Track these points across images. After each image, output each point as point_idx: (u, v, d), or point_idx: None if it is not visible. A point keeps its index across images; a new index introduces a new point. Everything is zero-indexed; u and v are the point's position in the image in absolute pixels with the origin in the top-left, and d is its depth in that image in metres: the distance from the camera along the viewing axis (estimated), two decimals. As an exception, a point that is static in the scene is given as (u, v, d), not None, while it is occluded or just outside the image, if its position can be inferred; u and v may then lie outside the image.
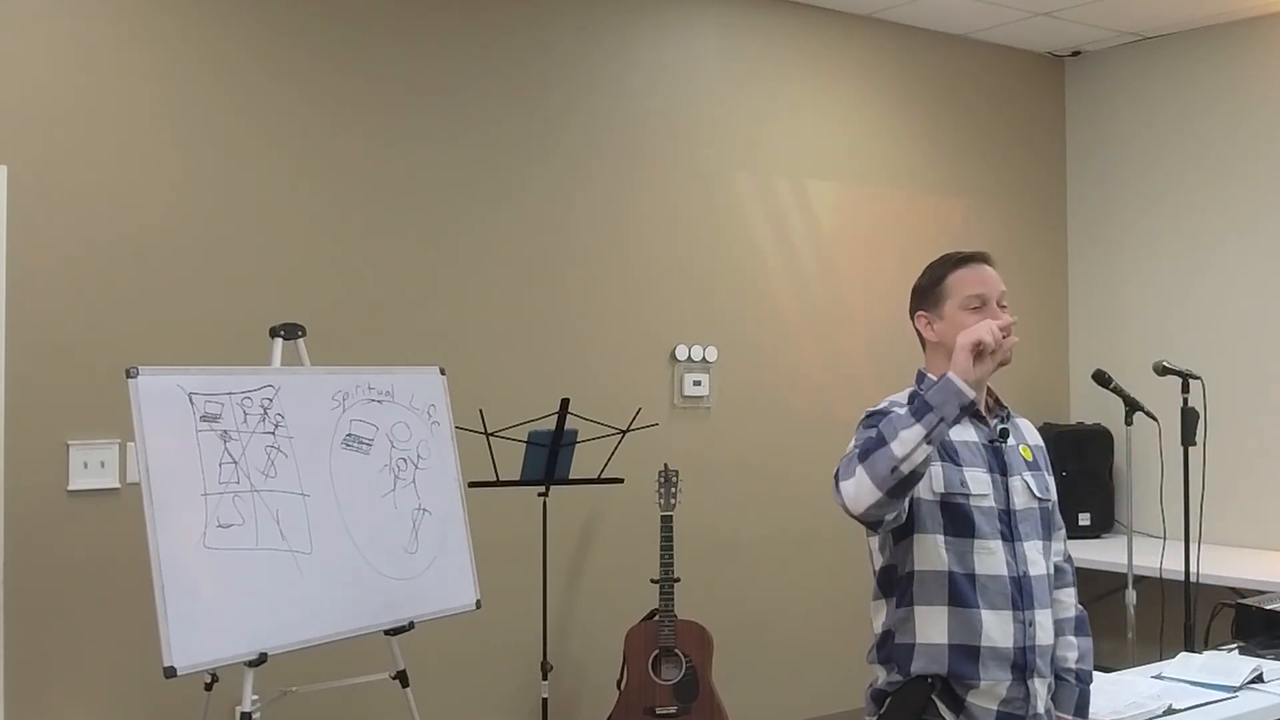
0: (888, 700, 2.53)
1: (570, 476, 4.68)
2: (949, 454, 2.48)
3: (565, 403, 4.57)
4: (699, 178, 5.44)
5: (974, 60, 6.31)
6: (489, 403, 4.56)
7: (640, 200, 5.29)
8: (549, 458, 4.59)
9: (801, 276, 5.72)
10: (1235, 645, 3.60)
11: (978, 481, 2.49)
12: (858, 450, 2.29)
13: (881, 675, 2.55)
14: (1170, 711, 2.97)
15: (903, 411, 2.28)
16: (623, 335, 5.23)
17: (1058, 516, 2.67)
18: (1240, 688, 3.14)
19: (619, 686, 4.82)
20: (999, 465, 2.53)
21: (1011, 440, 2.59)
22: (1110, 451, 6.18)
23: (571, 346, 5.09)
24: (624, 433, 4.74)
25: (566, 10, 5.12)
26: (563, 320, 5.08)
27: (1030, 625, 2.48)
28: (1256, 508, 5.77)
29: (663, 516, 4.84)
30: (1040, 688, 2.50)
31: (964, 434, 2.53)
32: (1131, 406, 4.45)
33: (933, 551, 2.45)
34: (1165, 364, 4.43)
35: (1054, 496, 2.65)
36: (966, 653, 2.44)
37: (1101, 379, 4.51)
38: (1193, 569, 4.37)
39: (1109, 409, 5.46)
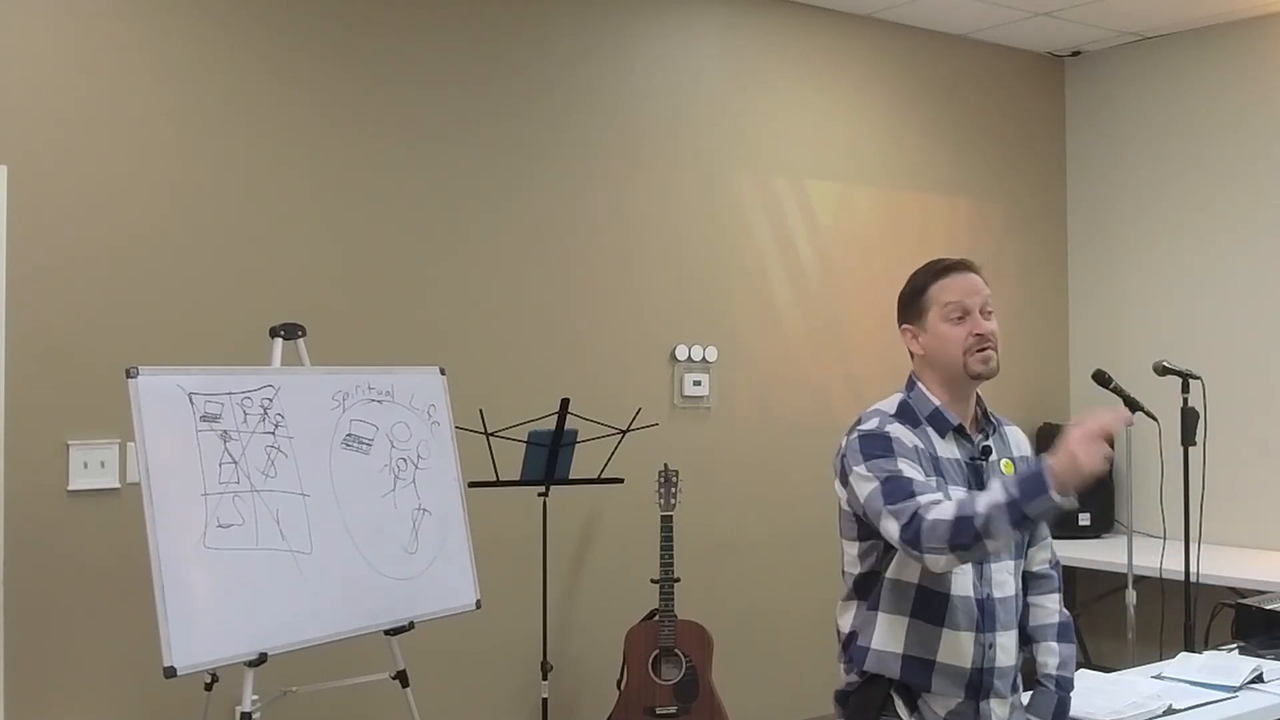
0: (849, 700, 2.55)
1: (570, 476, 4.68)
2: (938, 470, 2.48)
3: (565, 403, 4.57)
4: (699, 178, 5.44)
5: (974, 60, 6.31)
6: (489, 403, 4.56)
7: (640, 200, 5.29)
8: (549, 458, 4.59)
9: (801, 276, 5.72)
10: (1235, 645, 3.59)
11: None
12: (949, 535, 2.25)
13: (842, 676, 2.58)
14: (1170, 711, 2.96)
15: (997, 506, 2.22)
16: (623, 335, 5.23)
17: (1043, 528, 2.65)
18: (1240, 688, 3.14)
19: (619, 686, 4.82)
20: (977, 484, 2.51)
21: (994, 455, 2.57)
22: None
23: (571, 346, 5.09)
24: (624, 433, 4.74)
25: (566, 10, 5.12)
26: (563, 320, 5.08)
27: (990, 648, 2.49)
28: (1256, 508, 5.77)
29: (663, 516, 4.84)
30: (997, 707, 2.51)
31: (948, 450, 2.52)
32: (1131, 407, 4.42)
33: (909, 564, 2.45)
34: (1165, 364, 4.42)
35: None
36: (919, 664, 2.47)
37: (1101, 379, 4.50)
38: (1193, 569, 4.37)
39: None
